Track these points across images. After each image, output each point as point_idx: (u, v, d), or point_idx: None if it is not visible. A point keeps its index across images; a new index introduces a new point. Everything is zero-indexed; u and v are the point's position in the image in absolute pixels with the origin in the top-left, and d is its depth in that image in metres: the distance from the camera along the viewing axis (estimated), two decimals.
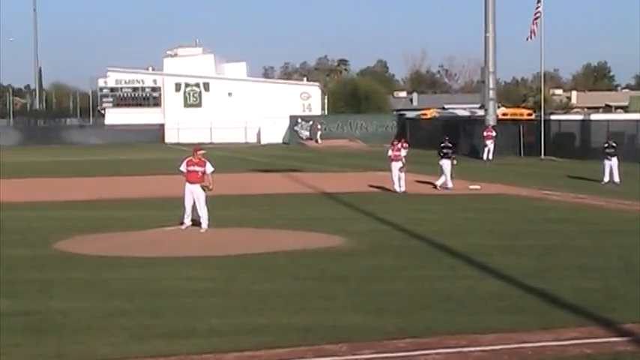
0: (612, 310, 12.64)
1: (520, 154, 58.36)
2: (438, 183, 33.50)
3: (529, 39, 57.30)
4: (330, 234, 20.97)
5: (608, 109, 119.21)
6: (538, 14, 57.06)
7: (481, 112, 65.69)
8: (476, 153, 57.99)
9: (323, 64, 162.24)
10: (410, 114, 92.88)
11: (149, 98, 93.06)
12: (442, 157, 33.78)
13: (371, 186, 34.70)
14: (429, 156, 51.40)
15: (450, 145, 34.30)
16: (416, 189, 33.11)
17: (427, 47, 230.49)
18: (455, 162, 33.76)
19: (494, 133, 57.40)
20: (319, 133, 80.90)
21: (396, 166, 32.46)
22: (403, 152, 33.18)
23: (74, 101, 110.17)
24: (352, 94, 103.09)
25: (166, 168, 40.36)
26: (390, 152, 33.04)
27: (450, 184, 33.33)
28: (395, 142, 34.19)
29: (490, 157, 56.16)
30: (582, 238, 20.52)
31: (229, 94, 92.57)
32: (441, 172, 33.62)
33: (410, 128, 75.07)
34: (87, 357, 10.61)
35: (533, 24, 57.10)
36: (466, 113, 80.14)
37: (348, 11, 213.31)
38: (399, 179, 32.36)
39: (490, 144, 56.84)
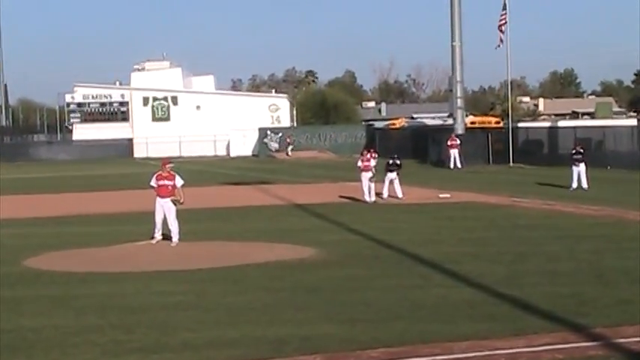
0: (583, 315, 12.72)
1: (489, 161, 58.64)
2: (399, 195, 33.24)
3: (498, 47, 57.70)
4: (302, 245, 20.95)
5: (575, 115, 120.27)
6: (504, 21, 57.46)
7: (450, 121, 66.02)
8: (445, 162, 58.19)
9: (291, 75, 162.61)
10: (379, 124, 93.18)
11: (117, 113, 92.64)
12: (388, 172, 33.56)
13: (341, 196, 34.72)
14: None
15: (397, 162, 33.88)
16: (386, 199, 33.09)
17: (395, 57, 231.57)
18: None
19: (458, 142, 57.58)
20: (291, 147, 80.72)
21: (366, 176, 32.48)
22: (373, 162, 33.21)
23: (41, 117, 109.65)
24: (321, 105, 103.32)
25: (136, 182, 40.18)
26: (359, 163, 33.07)
27: (371, 197, 32.38)
28: (364, 153, 34.24)
29: (458, 165, 56.35)
30: (552, 244, 20.64)
31: (197, 107, 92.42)
32: (389, 183, 33.40)
33: (379, 138, 75.29)
34: None
35: (500, 32, 57.48)
36: (436, 122, 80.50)
37: (315, 22, 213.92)
38: (369, 189, 32.39)
39: (454, 152, 57.02)
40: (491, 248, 20.10)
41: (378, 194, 32.91)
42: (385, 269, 17.45)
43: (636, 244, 19.66)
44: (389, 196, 33.23)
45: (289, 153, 79.85)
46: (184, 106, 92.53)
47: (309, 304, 14.11)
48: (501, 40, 57.34)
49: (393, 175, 33.44)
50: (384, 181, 33.46)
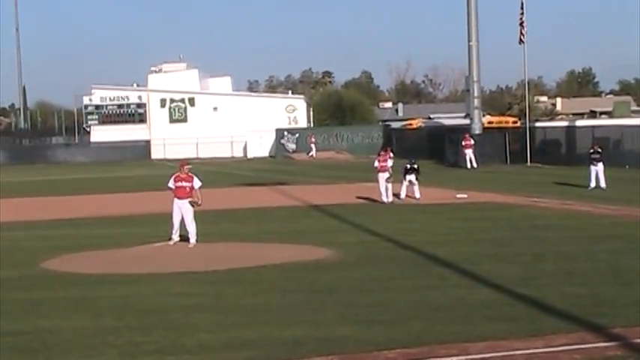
0: (601, 316, 12.66)
1: (506, 161, 58.51)
2: (417, 196, 33.09)
3: (521, 42, 57.42)
4: (319, 246, 20.95)
5: (592, 115, 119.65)
6: (522, 20, 57.26)
7: (467, 121, 65.88)
8: (462, 162, 58.08)
9: (308, 76, 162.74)
10: (395, 124, 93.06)
11: (134, 115, 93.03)
12: (407, 174, 33.46)
13: (358, 197, 34.69)
14: None
15: (415, 167, 33.64)
16: (403, 199, 33.02)
17: (411, 57, 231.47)
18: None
19: (472, 142, 57.48)
20: (314, 146, 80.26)
21: (382, 176, 32.43)
22: (389, 163, 33.13)
23: (59, 119, 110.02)
24: (337, 106, 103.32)
25: (153, 184, 40.32)
26: (376, 163, 33.01)
27: (388, 198, 32.28)
28: (381, 153, 34.17)
29: (474, 165, 56.23)
30: (570, 244, 20.56)
31: (215, 108, 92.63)
32: (408, 183, 33.33)
33: (396, 139, 75.22)
34: None
35: (521, 28, 57.19)
36: (455, 122, 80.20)
37: (331, 23, 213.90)
38: (386, 190, 32.33)
39: (469, 152, 56.90)
40: (509, 249, 20.04)
41: (396, 195, 32.87)
42: (402, 270, 17.42)
43: None
44: (407, 196, 33.18)
45: (313, 154, 79.19)
46: (201, 107, 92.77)
47: (326, 305, 14.10)
48: (523, 36, 57.09)
49: (412, 177, 33.30)
50: (401, 182, 33.41)
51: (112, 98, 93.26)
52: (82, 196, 40.51)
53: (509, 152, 59.26)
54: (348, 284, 15.94)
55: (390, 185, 32.46)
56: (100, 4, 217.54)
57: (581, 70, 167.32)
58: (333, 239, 22.16)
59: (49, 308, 14.50)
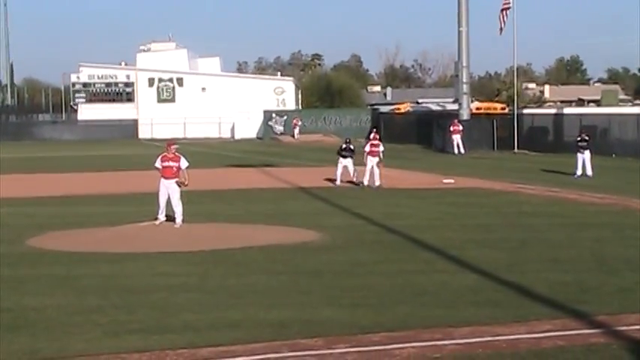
0: (585, 303, 12.72)
1: (493, 148, 58.59)
2: (354, 178, 32.98)
3: (500, 32, 57.46)
4: (305, 229, 20.95)
5: (580, 103, 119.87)
6: (507, 6, 57.11)
7: (455, 106, 65.84)
8: (449, 147, 58.14)
9: (297, 58, 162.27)
10: (384, 108, 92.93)
11: (122, 93, 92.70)
12: (341, 157, 33.29)
13: (347, 181, 34.62)
14: (403, 150, 51.56)
15: (352, 147, 33.32)
16: (390, 184, 32.99)
17: (401, 42, 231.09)
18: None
19: (460, 127, 57.49)
20: (298, 129, 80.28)
21: (372, 160, 32.37)
22: (381, 147, 32.98)
23: (47, 97, 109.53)
24: (326, 89, 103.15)
25: (140, 164, 40.20)
26: (367, 147, 32.94)
27: (365, 182, 32.50)
28: (372, 137, 34.04)
29: (462, 151, 56.27)
30: (556, 231, 20.62)
31: (203, 89, 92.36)
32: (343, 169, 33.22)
33: (384, 123, 75.13)
34: (61, 353, 10.54)
35: (502, 17, 57.12)
36: (443, 107, 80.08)
37: (322, 6, 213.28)
38: (371, 174, 32.29)
39: (457, 138, 56.90)
40: (495, 235, 20.09)
41: (333, 180, 32.67)
42: (388, 254, 17.45)
43: (639, 233, 19.63)
44: (341, 181, 32.97)
45: (296, 136, 79.43)
46: (190, 87, 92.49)
47: (311, 287, 14.12)
48: (503, 24, 57.03)
49: (347, 162, 33.06)
50: (336, 165, 33.23)
51: (100, 76, 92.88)
52: (68, 174, 40.35)
53: (497, 138, 59.32)
54: (334, 267, 15.96)
55: (378, 170, 32.41)
56: None
57: (569, 58, 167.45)
58: (320, 222, 22.17)
59: (34, 286, 14.48)
